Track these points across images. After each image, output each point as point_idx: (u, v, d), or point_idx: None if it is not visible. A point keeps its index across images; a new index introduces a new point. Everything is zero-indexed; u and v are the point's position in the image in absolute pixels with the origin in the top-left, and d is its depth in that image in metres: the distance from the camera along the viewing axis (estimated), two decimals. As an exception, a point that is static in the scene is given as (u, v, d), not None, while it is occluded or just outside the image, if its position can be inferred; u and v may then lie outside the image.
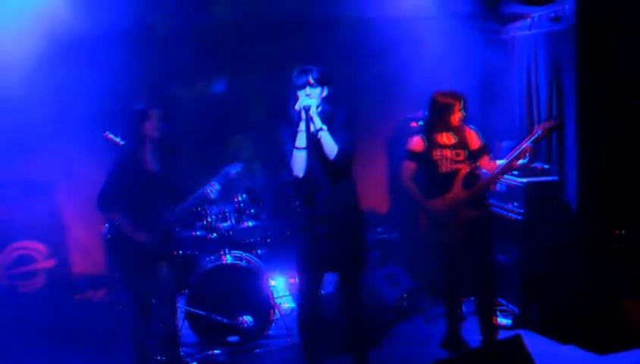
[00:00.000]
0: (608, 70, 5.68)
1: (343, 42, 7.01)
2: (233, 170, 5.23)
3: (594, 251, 5.75)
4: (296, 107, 4.46)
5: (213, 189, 5.11)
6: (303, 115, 4.43)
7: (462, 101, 5.23)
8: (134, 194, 4.93)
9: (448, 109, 5.22)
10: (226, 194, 6.12)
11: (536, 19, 6.40)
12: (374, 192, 7.68)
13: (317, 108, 4.50)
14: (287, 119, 4.63)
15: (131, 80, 6.80)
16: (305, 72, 4.52)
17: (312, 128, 4.44)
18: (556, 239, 5.77)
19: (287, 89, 4.61)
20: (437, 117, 5.28)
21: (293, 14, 7.04)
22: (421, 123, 5.57)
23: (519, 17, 6.68)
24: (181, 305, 5.61)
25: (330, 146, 4.49)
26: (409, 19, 7.03)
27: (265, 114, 6.91)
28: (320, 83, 4.53)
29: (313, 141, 4.46)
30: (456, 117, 5.23)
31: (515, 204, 5.96)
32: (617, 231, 5.78)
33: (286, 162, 4.58)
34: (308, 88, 4.49)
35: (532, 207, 5.86)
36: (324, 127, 4.48)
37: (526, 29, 6.60)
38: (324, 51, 6.80)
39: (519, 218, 5.91)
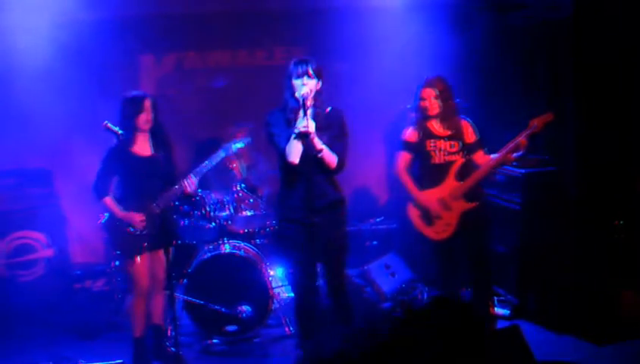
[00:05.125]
0: (605, 59, 5.65)
1: (342, 31, 6.97)
2: (223, 154, 5.16)
3: (593, 242, 5.74)
4: (297, 95, 4.42)
5: (190, 182, 5.02)
6: (301, 102, 4.39)
7: (436, 90, 5.14)
8: (128, 180, 4.99)
9: (421, 98, 5.20)
10: (225, 183, 6.13)
11: (534, 8, 6.37)
12: (373, 183, 7.69)
13: (312, 101, 4.45)
14: (282, 106, 4.62)
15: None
16: (305, 62, 4.51)
17: (303, 117, 4.36)
18: (554, 230, 5.76)
19: (283, 78, 4.59)
20: (415, 106, 5.26)
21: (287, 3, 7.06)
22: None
23: (518, 6, 6.64)
24: (180, 295, 5.63)
25: (330, 161, 4.53)
26: (406, 8, 7.01)
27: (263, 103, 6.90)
28: (316, 74, 4.51)
29: (304, 137, 4.41)
30: (431, 106, 5.18)
31: (513, 194, 5.95)
32: (616, 222, 5.77)
33: (280, 148, 4.54)
34: (306, 78, 4.47)
35: (531, 197, 5.86)
36: (325, 148, 4.47)
37: (524, 18, 6.56)
38: (321, 41, 6.81)
39: (518, 208, 5.90)
